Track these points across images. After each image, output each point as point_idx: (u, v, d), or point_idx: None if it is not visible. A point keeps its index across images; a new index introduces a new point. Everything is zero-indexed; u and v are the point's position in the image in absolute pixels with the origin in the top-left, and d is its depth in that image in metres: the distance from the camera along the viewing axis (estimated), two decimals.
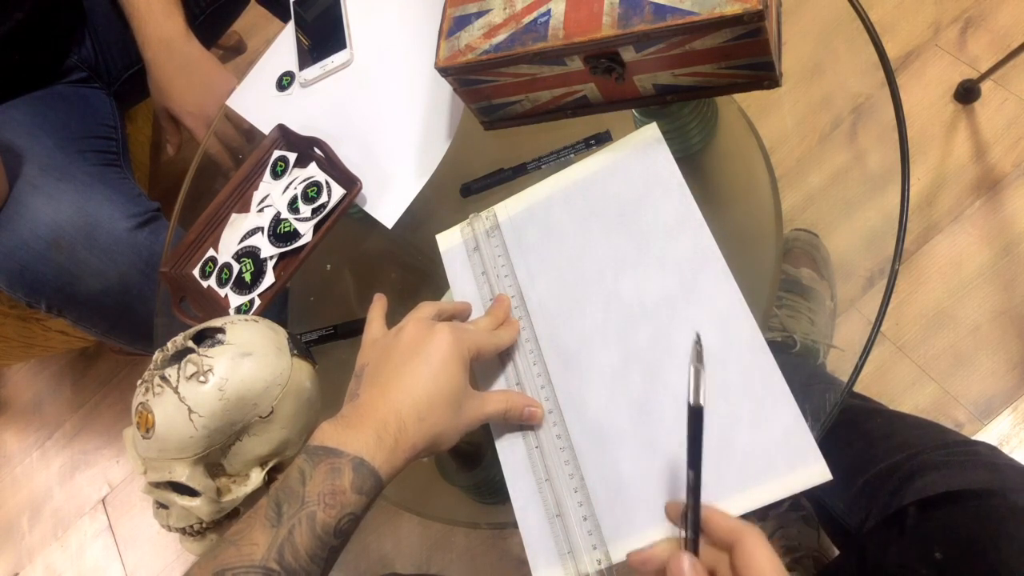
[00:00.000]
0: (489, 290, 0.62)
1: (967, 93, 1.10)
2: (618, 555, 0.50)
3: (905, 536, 0.57)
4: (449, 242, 0.66)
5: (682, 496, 0.43)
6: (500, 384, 0.59)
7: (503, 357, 0.59)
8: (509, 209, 0.64)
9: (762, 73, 0.55)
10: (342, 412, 0.51)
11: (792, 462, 0.47)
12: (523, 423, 0.56)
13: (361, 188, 0.71)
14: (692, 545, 0.42)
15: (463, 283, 0.64)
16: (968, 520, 0.54)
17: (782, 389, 0.50)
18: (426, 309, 0.57)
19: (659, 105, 0.61)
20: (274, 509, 0.45)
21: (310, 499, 0.45)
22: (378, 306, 0.61)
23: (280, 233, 0.72)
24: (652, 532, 0.50)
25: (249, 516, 0.46)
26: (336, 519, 0.45)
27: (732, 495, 0.49)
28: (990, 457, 0.58)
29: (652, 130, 0.60)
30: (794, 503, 0.87)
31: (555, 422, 0.56)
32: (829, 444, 0.48)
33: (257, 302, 0.72)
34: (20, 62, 1.01)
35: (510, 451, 0.57)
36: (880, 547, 0.59)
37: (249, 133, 0.92)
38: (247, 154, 0.82)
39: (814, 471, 0.48)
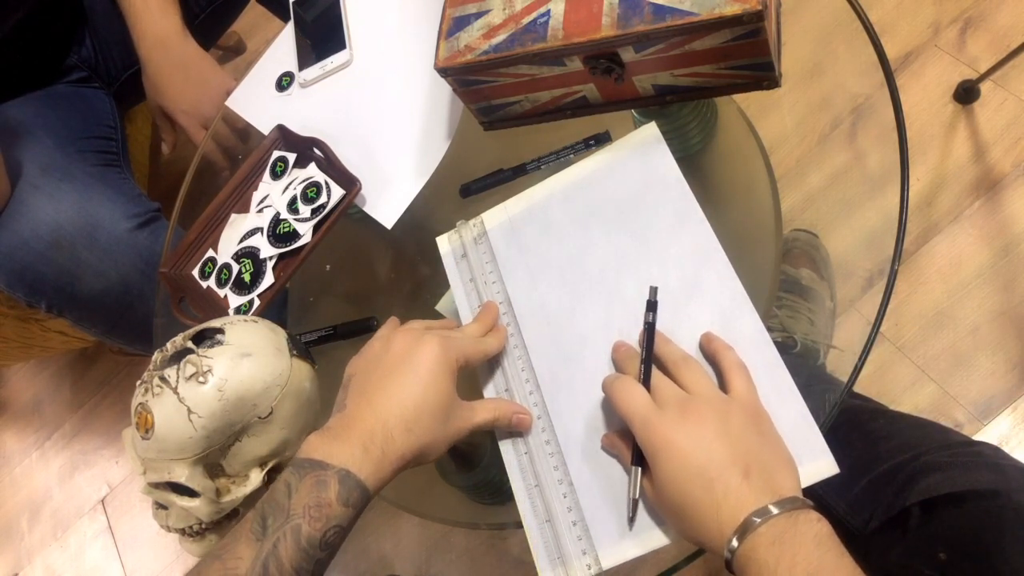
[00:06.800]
0: (477, 297, 0.62)
1: (967, 93, 1.10)
2: (608, 560, 0.50)
3: (909, 537, 0.57)
4: (444, 247, 0.66)
5: None
6: (489, 391, 0.59)
7: (492, 364, 0.59)
8: (508, 210, 0.64)
9: (761, 73, 0.55)
10: (329, 424, 0.50)
11: (799, 456, 0.47)
12: (512, 430, 0.56)
13: (360, 188, 0.71)
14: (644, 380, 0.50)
15: (456, 288, 0.63)
16: (972, 521, 0.54)
17: (787, 384, 0.50)
18: (415, 324, 0.57)
19: (659, 105, 0.61)
20: (259, 523, 0.46)
21: (295, 512, 0.45)
22: (388, 326, 0.60)
23: (279, 233, 0.72)
24: (642, 537, 0.49)
25: (235, 530, 0.46)
26: (322, 531, 0.45)
27: None
28: (994, 458, 0.58)
29: (651, 129, 0.60)
30: None
31: (543, 427, 0.56)
32: (830, 444, 0.48)
33: (256, 302, 0.72)
34: (20, 62, 1.01)
35: (511, 454, 0.56)
36: (884, 548, 0.59)
37: (244, 133, 0.92)
38: (245, 154, 0.82)
39: (822, 464, 0.48)
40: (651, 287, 0.54)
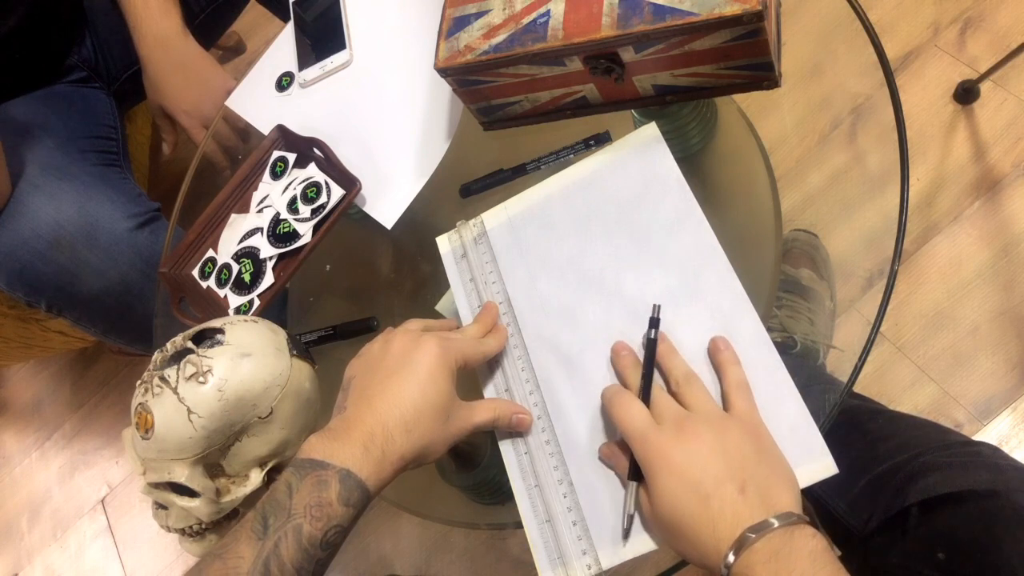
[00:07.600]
0: (477, 297, 0.62)
1: (966, 93, 1.10)
2: (608, 560, 0.50)
3: (908, 537, 0.57)
4: (444, 247, 0.66)
5: None
6: (489, 391, 0.59)
7: (492, 364, 0.59)
8: (508, 210, 0.64)
9: (761, 74, 0.55)
10: (329, 425, 0.51)
11: (799, 457, 0.47)
12: (512, 430, 0.56)
13: (360, 188, 0.71)
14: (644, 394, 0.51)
15: (456, 288, 0.63)
16: (971, 521, 0.54)
17: (787, 384, 0.50)
18: (413, 324, 0.57)
19: (658, 106, 0.61)
20: (260, 522, 0.46)
21: (296, 511, 0.45)
22: (387, 331, 0.60)
23: (279, 233, 0.72)
24: (642, 537, 0.50)
25: (236, 529, 0.46)
26: (322, 531, 0.45)
27: None
28: (992, 458, 0.58)
29: (651, 129, 0.60)
30: None
31: (543, 428, 0.56)
32: (830, 444, 0.48)
33: (256, 303, 0.72)
34: (20, 62, 1.01)
35: (511, 454, 0.56)
36: (882, 548, 0.59)
37: (244, 132, 0.92)
38: (245, 154, 0.82)
39: (821, 465, 0.48)
40: (654, 304, 0.54)
